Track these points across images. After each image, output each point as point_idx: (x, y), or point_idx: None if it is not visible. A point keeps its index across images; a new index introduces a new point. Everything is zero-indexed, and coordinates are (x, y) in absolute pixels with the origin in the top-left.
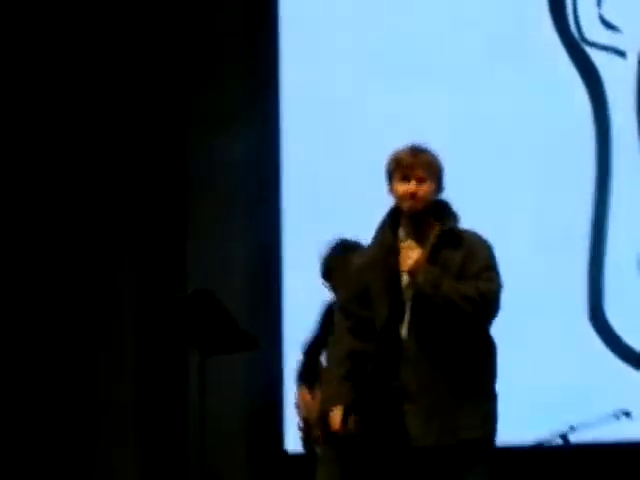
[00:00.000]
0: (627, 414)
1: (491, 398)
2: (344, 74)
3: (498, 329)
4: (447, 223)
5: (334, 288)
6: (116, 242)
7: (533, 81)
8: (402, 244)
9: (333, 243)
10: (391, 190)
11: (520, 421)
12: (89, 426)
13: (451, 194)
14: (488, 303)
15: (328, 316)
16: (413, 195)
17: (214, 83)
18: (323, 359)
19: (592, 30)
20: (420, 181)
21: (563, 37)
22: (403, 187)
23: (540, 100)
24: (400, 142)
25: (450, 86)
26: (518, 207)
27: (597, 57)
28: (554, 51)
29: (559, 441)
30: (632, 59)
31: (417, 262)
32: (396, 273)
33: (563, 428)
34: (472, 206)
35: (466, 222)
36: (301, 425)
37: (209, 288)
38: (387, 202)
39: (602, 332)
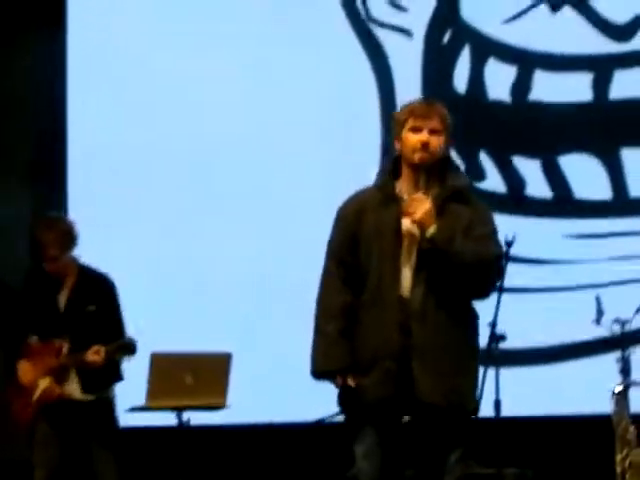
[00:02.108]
0: None
1: (476, 366)
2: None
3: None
4: (458, 180)
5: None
6: None
7: (319, 58)
8: (410, 195)
9: (37, 219)
10: (399, 140)
11: (304, 398)
12: None
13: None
14: (499, 268)
15: (27, 285)
16: (425, 145)
17: None
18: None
19: (378, 9)
20: (433, 132)
21: (350, 15)
22: (415, 137)
23: (326, 76)
24: (187, 99)
25: (236, 51)
26: (308, 178)
27: (383, 35)
28: (340, 28)
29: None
30: (418, 38)
31: (428, 213)
32: (398, 224)
33: None
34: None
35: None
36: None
37: None
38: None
39: None
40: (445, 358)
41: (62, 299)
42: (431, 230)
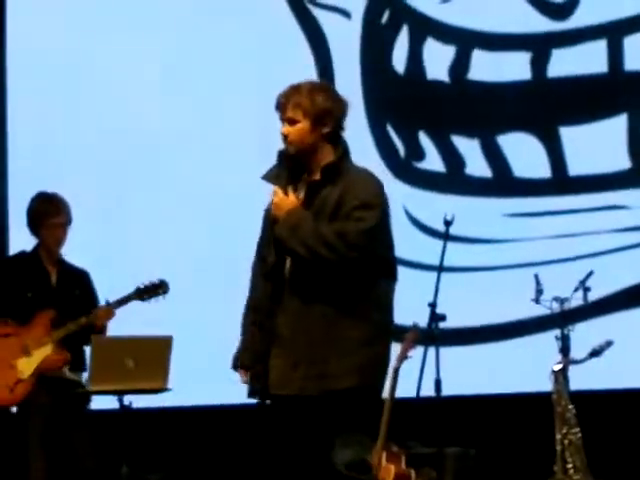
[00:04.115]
0: None
1: (367, 347)
2: (60, 25)
3: None
4: (328, 159)
5: (39, 237)
6: None
7: (257, 38)
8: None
9: (33, 196)
10: None
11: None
12: None
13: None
14: (349, 245)
15: (5, 274)
16: (285, 138)
17: None
18: None
19: None
20: (291, 122)
21: None
22: (281, 129)
23: (265, 58)
24: (119, 93)
25: (166, 37)
26: (244, 162)
27: (322, 17)
28: (278, 8)
29: None
30: (357, 18)
31: (275, 205)
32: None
33: None
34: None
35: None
36: None
37: None
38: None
39: None
40: (304, 347)
41: (52, 279)
42: (279, 221)
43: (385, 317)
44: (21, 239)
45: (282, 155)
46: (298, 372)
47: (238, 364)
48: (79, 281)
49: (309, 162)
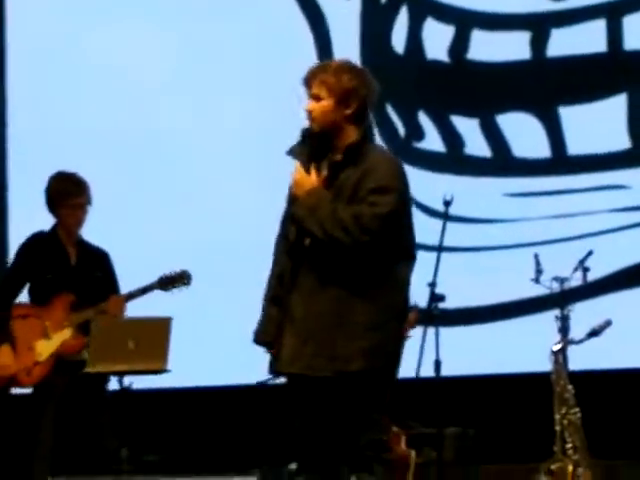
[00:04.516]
0: None
1: (373, 332)
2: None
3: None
4: (351, 139)
5: (59, 217)
6: None
7: (257, 21)
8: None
9: (53, 175)
10: None
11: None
12: None
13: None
14: (363, 229)
15: (25, 255)
16: (308, 114)
17: None
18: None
19: None
20: (315, 99)
21: None
22: (305, 106)
23: (263, 39)
24: (117, 77)
25: (169, 23)
26: (247, 149)
27: None
28: None
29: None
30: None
31: (296, 183)
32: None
33: None
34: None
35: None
36: None
37: None
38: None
39: None
40: (314, 327)
41: (72, 260)
42: (298, 201)
43: (399, 300)
44: (20, 221)
45: (306, 133)
46: (308, 348)
47: (257, 339)
48: (100, 262)
49: (333, 142)
